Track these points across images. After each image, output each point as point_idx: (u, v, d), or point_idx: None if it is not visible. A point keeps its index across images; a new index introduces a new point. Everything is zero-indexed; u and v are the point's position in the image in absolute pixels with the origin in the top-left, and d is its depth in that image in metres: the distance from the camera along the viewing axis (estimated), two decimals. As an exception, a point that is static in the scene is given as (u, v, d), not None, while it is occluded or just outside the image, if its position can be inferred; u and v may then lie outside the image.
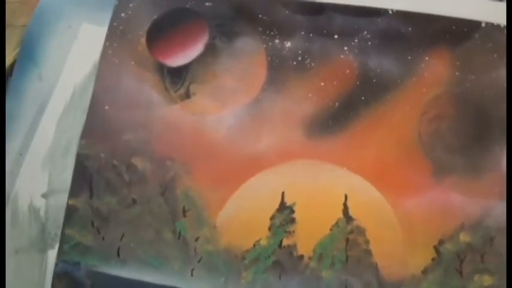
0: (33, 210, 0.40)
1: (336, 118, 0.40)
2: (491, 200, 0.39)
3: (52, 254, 0.39)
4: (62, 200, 0.40)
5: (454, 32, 0.43)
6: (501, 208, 0.39)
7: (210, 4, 0.43)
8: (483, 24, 0.43)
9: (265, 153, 0.39)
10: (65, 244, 0.39)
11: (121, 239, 0.38)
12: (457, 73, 0.42)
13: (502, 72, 0.42)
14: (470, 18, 0.44)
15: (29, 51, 0.45)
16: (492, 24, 0.44)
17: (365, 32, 0.42)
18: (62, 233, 0.39)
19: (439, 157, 0.40)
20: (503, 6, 0.45)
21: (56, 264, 0.39)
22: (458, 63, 0.42)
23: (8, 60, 0.46)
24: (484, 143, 0.40)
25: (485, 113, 0.41)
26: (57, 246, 0.39)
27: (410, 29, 0.43)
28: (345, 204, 0.38)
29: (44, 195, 0.40)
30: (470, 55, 0.43)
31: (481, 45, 0.43)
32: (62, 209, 0.39)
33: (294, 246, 0.38)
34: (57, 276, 0.38)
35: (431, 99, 0.41)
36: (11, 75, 0.44)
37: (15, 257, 0.39)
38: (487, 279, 0.38)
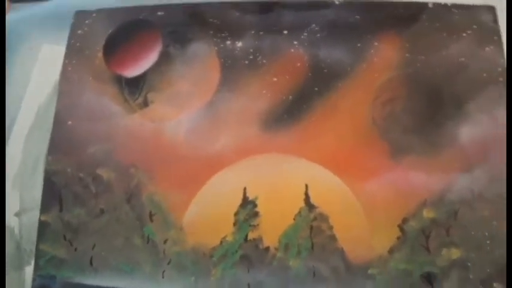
0: (8, 230, 0.42)
1: (290, 111, 0.42)
2: (451, 175, 0.40)
3: (29, 270, 0.40)
4: (34, 216, 0.41)
5: (401, 16, 0.44)
6: (462, 181, 0.40)
7: (162, 13, 0.45)
8: (430, 5, 0.45)
9: (224, 152, 0.41)
10: (40, 259, 0.40)
11: (93, 249, 0.40)
12: (407, 55, 0.43)
13: (452, 51, 0.43)
14: (416, 0, 0.45)
15: (-6, 76, 0.47)
16: (439, 4, 0.45)
17: (313, 25, 0.44)
18: (37, 249, 0.41)
19: (395, 138, 0.41)
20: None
21: (34, 280, 0.40)
22: (407, 45, 0.43)
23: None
24: (438, 120, 0.41)
25: (438, 90, 0.42)
26: (32, 262, 0.41)
27: (358, 17, 0.44)
28: (306, 194, 0.40)
29: (17, 214, 0.42)
30: (419, 36, 0.44)
31: (429, 26, 0.44)
32: (35, 225, 0.41)
33: (260, 239, 0.39)
34: (35, 291, 0.40)
35: (383, 83, 0.42)
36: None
37: (-7, 277, 0.41)
38: (455, 252, 0.39)
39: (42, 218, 0.41)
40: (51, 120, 0.43)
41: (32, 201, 0.42)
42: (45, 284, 0.40)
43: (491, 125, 0.41)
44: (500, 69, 0.42)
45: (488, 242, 0.38)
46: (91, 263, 0.40)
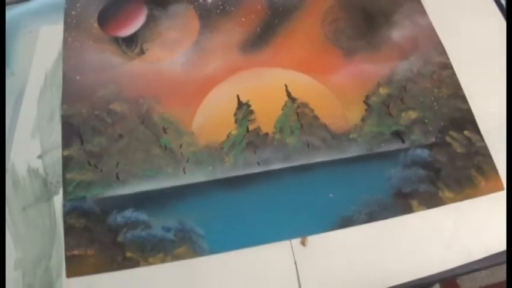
0: (32, 171, 0.53)
1: (261, 37, 0.61)
2: (394, 63, 0.60)
3: (57, 199, 0.51)
4: (56, 155, 0.53)
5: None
6: (403, 66, 0.60)
7: (142, -11, 0.65)
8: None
9: (215, 73, 0.58)
10: (68, 186, 0.52)
11: (117, 166, 0.52)
12: (339, -12, 0.65)
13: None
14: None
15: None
16: None
17: (265, -22, 0.65)
18: (64, 179, 0.52)
19: (345, 45, 0.61)
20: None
21: (64, 205, 0.51)
22: (339, -18, 0.66)
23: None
24: (373, 29, 0.62)
25: (368, 10, 0.64)
26: (61, 191, 0.52)
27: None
28: (287, 91, 0.57)
29: (40, 156, 0.54)
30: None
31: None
32: (59, 161, 0.53)
33: (259, 128, 0.55)
34: (67, 213, 0.50)
35: (326, 11, 0.63)
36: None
37: (23, 214, 0.51)
38: (412, 114, 0.57)
39: (65, 153, 0.53)
40: (59, 79, 0.57)
41: (52, 143, 0.54)
42: (76, 205, 0.51)
43: (414, 26, 0.63)
44: (412, -11, 0.66)
45: (435, 104, 0.57)
46: (117, 178, 0.52)
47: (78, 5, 0.63)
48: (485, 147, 0.54)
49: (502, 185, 0.52)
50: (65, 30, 0.61)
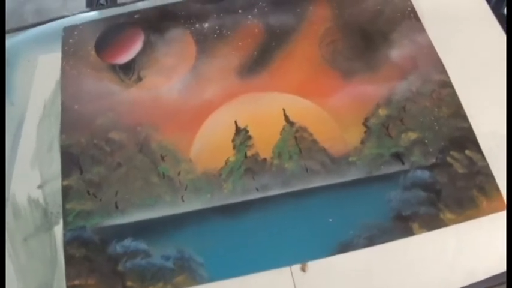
0: (32, 202, 0.57)
1: (258, 62, 0.65)
2: (392, 82, 0.63)
3: (58, 229, 0.55)
4: (56, 185, 0.57)
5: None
6: (402, 86, 0.63)
7: (139, 16, 0.69)
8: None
9: (213, 99, 0.62)
10: (68, 216, 0.55)
11: (116, 195, 0.56)
12: (336, 11, 0.69)
13: (369, 2, 0.70)
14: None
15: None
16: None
17: (261, 3, 0.69)
18: (64, 209, 0.56)
19: (343, 66, 0.64)
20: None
21: (64, 235, 0.55)
22: (335, 5, 0.69)
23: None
24: (372, 49, 0.66)
25: (366, 30, 0.68)
26: (61, 221, 0.55)
27: (293, -8, 0.71)
28: (285, 115, 0.60)
29: (40, 187, 0.58)
30: (341, -3, 0.71)
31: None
32: (58, 191, 0.57)
33: (257, 154, 0.58)
34: (67, 243, 0.54)
35: (323, 32, 0.67)
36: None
37: (24, 244, 0.55)
38: (412, 135, 0.60)
39: (65, 183, 0.57)
40: (58, 109, 0.62)
41: (52, 173, 0.58)
42: (76, 235, 0.54)
43: (413, 45, 0.66)
44: (409, 8, 0.69)
45: (435, 123, 0.60)
46: (116, 207, 0.56)
47: (75, 32, 0.68)
48: (487, 167, 0.57)
49: (504, 204, 0.55)
50: (63, 58, 0.66)
